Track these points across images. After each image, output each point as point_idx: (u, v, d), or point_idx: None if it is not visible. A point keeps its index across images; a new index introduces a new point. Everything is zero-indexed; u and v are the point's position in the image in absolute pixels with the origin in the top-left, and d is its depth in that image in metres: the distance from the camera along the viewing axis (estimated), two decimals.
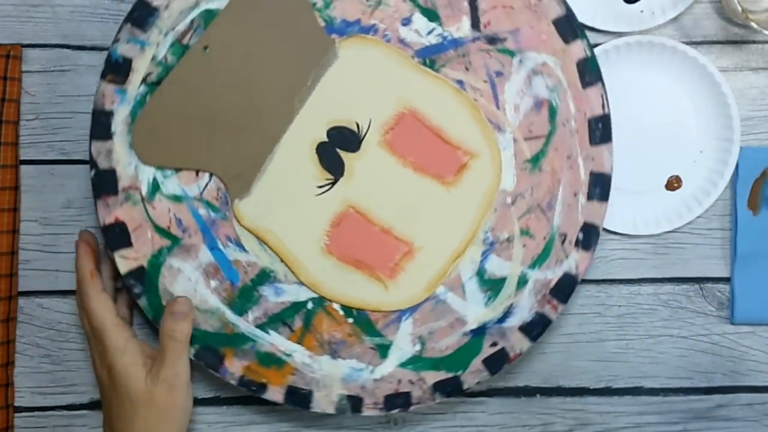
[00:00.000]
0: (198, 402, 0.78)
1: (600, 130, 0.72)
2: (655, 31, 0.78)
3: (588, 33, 0.74)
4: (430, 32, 0.72)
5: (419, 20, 0.72)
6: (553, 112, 0.73)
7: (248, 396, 0.73)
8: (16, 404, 0.79)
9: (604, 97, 0.72)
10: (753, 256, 0.79)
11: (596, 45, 0.76)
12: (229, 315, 0.73)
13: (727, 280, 0.80)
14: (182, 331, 0.69)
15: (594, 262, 0.79)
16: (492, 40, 0.72)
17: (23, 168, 0.79)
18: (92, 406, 0.79)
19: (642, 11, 0.78)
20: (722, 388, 0.80)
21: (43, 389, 0.79)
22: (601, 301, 0.80)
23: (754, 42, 0.80)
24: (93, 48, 0.79)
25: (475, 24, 0.72)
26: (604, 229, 0.78)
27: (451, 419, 0.80)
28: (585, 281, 0.80)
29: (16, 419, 0.79)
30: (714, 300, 0.80)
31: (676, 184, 0.79)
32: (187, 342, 0.70)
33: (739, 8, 0.74)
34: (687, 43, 0.77)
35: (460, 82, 0.73)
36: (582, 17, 0.75)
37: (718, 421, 0.80)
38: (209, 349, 0.72)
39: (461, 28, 0.72)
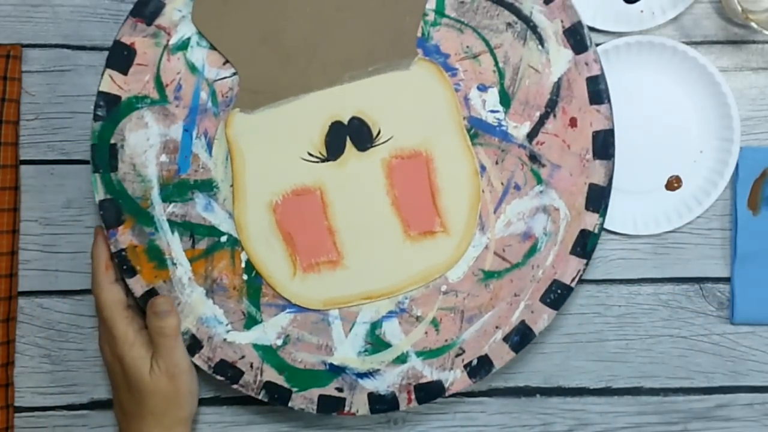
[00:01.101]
0: (198, 402, 0.77)
1: (556, 295, 0.73)
2: (655, 31, 0.78)
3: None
4: (493, 111, 0.73)
5: (493, 95, 0.73)
6: (532, 251, 0.74)
7: (248, 396, 0.73)
8: (16, 404, 0.78)
9: (579, 273, 0.73)
10: (753, 256, 0.78)
11: (596, 45, 0.75)
12: (154, 193, 0.72)
13: (727, 280, 0.80)
14: (170, 326, 0.70)
15: (594, 262, 0.79)
16: (534, 158, 0.73)
17: (23, 168, 0.78)
18: (92, 406, 0.79)
19: (642, 11, 0.78)
20: (722, 388, 0.80)
21: (43, 389, 0.78)
22: (601, 301, 0.80)
23: (754, 42, 0.80)
24: (93, 48, 0.78)
25: (531, 136, 0.73)
26: (605, 229, 0.78)
27: (451, 419, 0.80)
28: (585, 281, 0.80)
29: (16, 419, 0.78)
30: (714, 300, 0.80)
31: (676, 184, 0.79)
32: (177, 334, 0.71)
33: (739, 8, 0.74)
34: (687, 43, 0.78)
35: (483, 168, 0.73)
36: (582, 17, 0.74)
37: (718, 421, 0.80)
38: (116, 206, 0.71)
39: (519, 129, 0.73)
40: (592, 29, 0.76)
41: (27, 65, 0.78)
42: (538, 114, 0.73)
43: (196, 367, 0.73)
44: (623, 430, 0.80)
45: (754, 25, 0.74)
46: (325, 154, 0.72)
